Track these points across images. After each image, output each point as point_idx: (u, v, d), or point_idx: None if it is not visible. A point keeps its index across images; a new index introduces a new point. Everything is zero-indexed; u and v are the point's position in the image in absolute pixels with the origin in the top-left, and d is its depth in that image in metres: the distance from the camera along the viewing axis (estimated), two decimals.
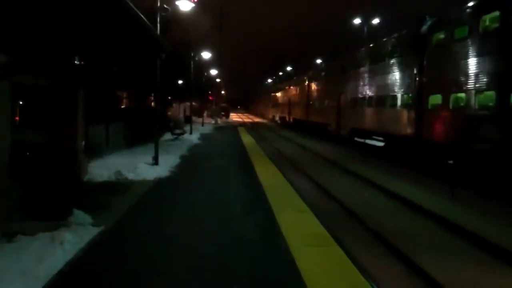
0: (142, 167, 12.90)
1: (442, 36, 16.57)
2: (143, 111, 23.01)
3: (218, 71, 61.76)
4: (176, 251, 6.01)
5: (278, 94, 63.74)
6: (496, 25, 13.43)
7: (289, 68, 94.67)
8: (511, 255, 7.50)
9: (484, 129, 13.37)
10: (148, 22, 8.59)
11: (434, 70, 16.79)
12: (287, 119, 52.92)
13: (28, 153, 6.99)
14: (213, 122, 52.81)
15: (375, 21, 43.56)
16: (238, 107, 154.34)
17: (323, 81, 35.56)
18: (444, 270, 7.02)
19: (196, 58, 32.98)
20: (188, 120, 36.72)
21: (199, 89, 42.47)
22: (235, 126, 48.18)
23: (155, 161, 13.88)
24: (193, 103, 41.27)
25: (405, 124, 18.96)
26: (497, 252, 7.77)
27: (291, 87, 51.88)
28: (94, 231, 6.65)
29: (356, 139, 24.20)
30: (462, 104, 14.76)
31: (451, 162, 13.28)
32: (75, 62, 9.25)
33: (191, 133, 29.70)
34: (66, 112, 7.31)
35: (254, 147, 22.62)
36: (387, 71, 21.20)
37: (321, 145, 27.36)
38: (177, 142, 23.15)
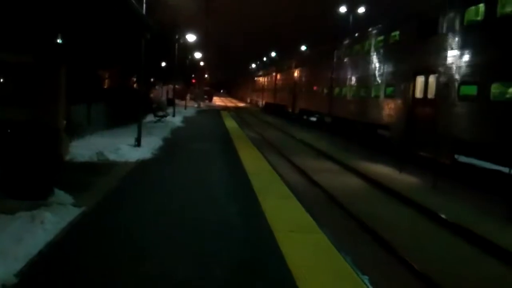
0: (125, 148, 12.72)
1: (339, 53, 27.56)
2: (126, 92, 22.76)
3: (203, 54, 61.19)
4: (159, 234, 5.92)
5: (257, 80, 71.55)
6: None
7: (273, 54, 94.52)
8: None
9: (359, 108, 22.69)
10: (133, 1, 8.42)
11: (336, 72, 27.23)
12: (261, 102, 62.82)
13: (9, 131, 6.84)
14: (196, 105, 52.48)
15: (361, 10, 43.67)
16: (221, 91, 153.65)
17: (284, 73, 46.57)
18: None
19: (181, 41, 32.67)
20: (171, 102, 36.46)
21: (183, 71, 42.08)
22: (218, 110, 47.97)
23: (138, 143, 13.67)
24: (177, 86, 40.92)
25: (326, 106, 28.52)
26: None
27: (265, 76, 62.16)
28: (75, 212, 6.53)
29: (304, 116, 36.22)
30: (347, 93, 24.96)
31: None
32: (58, 40, 9.05)
33: (174, 115, 29.44)
34: (48, 90, 7.14)
35: (237, 131, 22.46)
36: (318, 70, 32.42)
37: (308, 133, 28.17)
38: (159, 124, 22.90)
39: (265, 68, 70.72)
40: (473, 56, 13.46)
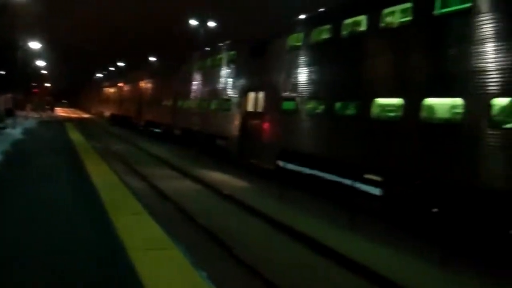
0: None
1: (184, 67, 29.23)
2: None
3: (46, 62, 58.73)
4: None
5: (103, 91, 69.83)
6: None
7: (122, 64, 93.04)
8: None
9: (200, 121, 24.63)
10: None
11: (180, 86, 29.05)
12: (107, 114, 61.37)
13: None
14: (37, 116, 50.28)
15: (212, 24, 45.35)
16: (64, 101, 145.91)
17: (130, 84, 47.40)
18: None
19: (24, 48, 31.61)
20: (9, 113, 34.82)
21: (24, 80, 40.29)
22: (62, 121, 46.40)
23: None
24: (16, 96, 39.09)
25: (170, 118, 30.45)
26: None
27: (111, 86, 61.01)
28: None
29: (150, 128, 36.33)
30: (190, 106, 26.81)
31: None
32: None
33: (14, 127, 28.40)
34: None
35: (83, 144, 22.19)
36: (164, 83, 34.24)
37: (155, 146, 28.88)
38: None
39: (112, 79, 69.93)
40: (292, 77, 15.87)
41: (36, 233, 6.63)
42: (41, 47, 43.67)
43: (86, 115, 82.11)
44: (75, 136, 26.82)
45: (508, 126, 8.69)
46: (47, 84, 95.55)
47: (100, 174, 12.30)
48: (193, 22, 46.16)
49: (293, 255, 8.95)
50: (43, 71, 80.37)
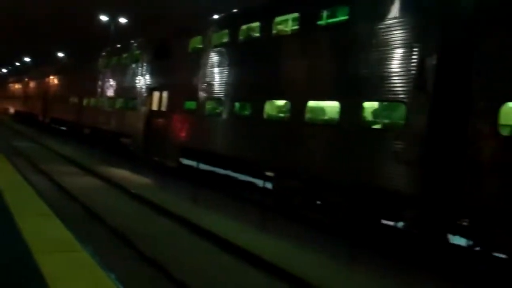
0: None
1: (90, 65, 28.80)
2: None
3: None
4: None
5: (7, 87, 67.39)
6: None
7: (28, 59, 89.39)
8: None
9: (106, 119, 24.46)
10: None
11: (87, 84, 28.22)
12: (11, 110, 59.65)
13: None
14: None
15: (123, 20, 44.51)
16: None
17: (36, 81, 45.64)
18: None
19: None
20: None
21: None
22: None
23: None
24: None
25: (76, 115, 30.03)
26: None
27: (16, 82, 59.07)
28: None
29: (56, 126, 36.38)
30: (96, 104, 26.81)
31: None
32: None
33: None
34: None
35: None
36: (70, 80, 33.76)
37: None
38: None
39: (17, 74, 67.00)
40: (194, 77, 16.44)
41: None
42: None
43: None
44: None
45: (376, 126, 9.86)
46: None
47: (3, 173, 11.79)
48: (104, 18, 45.18)
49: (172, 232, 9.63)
50: None
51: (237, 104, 14.39)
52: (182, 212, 11.65)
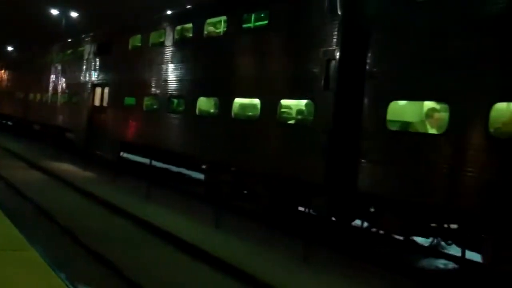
0: None
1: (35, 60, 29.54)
2: None
3: None
4: None
5: None
6: None
7: None
8: None
9: (51, 114, 24.45)
10: None
11: (30, 78, 29.22)
12: None
13: None
14: None
15: (74, 14, 44.03)
16: None
17: None
18: None
19: None
20: None
21: None
22: None
23: None
24: None
25: (21, 110, 30.00)
26: None
27: None
28: None
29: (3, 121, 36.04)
30: (41, 99, 26.59)
31: None
32: None
33: None
34: None
35: None
36: (15, 75, 33.65)
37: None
38: None
39: None
40: (133, 74, 17.01)
41: None
42: None
43: None
44: None
45: (290, 122, 10.79)
46: None
47: None
48: (54, 12, 44.68)
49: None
50: None
51: (173, 100, 15.07)
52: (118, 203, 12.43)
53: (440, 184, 7.41)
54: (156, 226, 10.51)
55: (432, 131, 8.05)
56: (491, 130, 6.89)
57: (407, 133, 8.49)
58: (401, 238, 9.43)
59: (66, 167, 18.66)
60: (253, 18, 12.14)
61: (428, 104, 8.32)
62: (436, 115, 8.09)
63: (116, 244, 9.38)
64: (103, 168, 17.97)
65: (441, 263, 9.27)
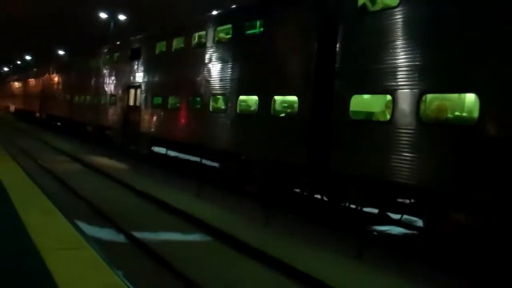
0: None
1: (79, 65, 32.12)
2: None
3: None
4: None
5: (8, 85, 70.64)
6: None
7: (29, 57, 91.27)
8: None
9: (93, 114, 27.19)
10: None
11: (76, 81, 32.13)
12: (12, 108, 62.71)
13: None
14: None
15: (122, 17, 45.60)
16: None
17: (33, 79, 49.04)
18: None
19: None
20: None
21: None
22: None
23: None
24: None
25: (67, 111, 33.14)
26: None
27: (16, 81, 62.26)
28: None
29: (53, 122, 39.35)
30: (85, 100, 29.37)
31: None
32: None
33: None
34: None
35: None
36: (62, 79, 36.88)
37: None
38: None
39: (17, 73, 69.96)
40: (159, 76, 19.21)
41: None
42: None
43: None
44: None
45: (281, 115, 12.59)
46: None
47: (6, 170, 11.85)
48: (103, 15, 45.60)
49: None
50: None
51: (190, 99, 17.05)
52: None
53: (386, 163, 9.06)
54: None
55: (382, 119, 9.71)
56: (423, 116, 8.51)
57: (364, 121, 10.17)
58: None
59: (103, 161, 21.07)
60: (249, 26, 14.05)
61: (379, 97, 9.96)
62: (385, 105, 9.76)
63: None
64: (137, 161, 20.26)
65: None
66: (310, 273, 7.57)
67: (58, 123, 37.52)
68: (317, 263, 8.36)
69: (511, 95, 7.32)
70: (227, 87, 14.64)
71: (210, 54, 15.80)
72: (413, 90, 8.63)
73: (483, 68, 7.65)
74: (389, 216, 11.17)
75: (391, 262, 8.69)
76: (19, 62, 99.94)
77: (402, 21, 9.02)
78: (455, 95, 8.88)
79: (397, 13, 9.13)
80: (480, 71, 7.70)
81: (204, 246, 9.55)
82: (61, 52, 72.77)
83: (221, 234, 9.91)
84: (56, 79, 38.70)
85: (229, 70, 14.47)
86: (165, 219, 11.56)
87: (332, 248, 9.34)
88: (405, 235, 10.80)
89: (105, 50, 27.12)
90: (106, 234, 9.83)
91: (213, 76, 15.43)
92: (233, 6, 16.04)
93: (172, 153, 21.20)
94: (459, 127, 8.27)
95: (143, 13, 52.22)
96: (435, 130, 8.49)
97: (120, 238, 9.72)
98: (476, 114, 7.75)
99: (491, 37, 7.57)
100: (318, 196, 12.08)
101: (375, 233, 10.54)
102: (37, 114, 43.73)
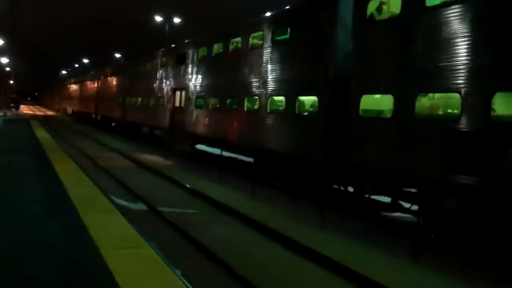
0: None
1: (132, 68, 34.69)
2: None
3: (10, 59, 60.69)
4: None
5: (66, 88, 74.37)
6: None
7: (86, 61, 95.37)
8: None
9: (143, 115, 29.64)
10: None
11: (129, 84, 34.41)
12: (70, 110, 66.81)
13: None
14: (2, 114, 51.59)
15: (177, 20, 46.49)
16: (28, 99, 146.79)
17: (89, 83, 52.19)
18: None
19: None
20: None
21: None
22: (27, 119, 46.21)
23: None
24: None
25: (120, 113, 35.41)
26: None
27: (73, 84, 66.45)
28: None
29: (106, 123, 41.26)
30: (136, 102, 31.76)
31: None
32: None
33: None
34: None
35: (50, 142, 21.69)
36: (115, 82, 39.18)
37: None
38: None
39: (74, 77, 74.00)
40: (201, 80, 20.97)
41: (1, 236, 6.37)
42: (3, 43, 45.17)
43: (50, 113, 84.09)
44: (41, 134, 26.36)
45: (305, 114, 13.96)
46: (11, 82, 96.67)
47: (67, 171, 12.12)
48: (158, 18, 46.52)
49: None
50: (7, 68, 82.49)
51: (228, 100, 18.63)
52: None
53: (390, 153, 10.32)
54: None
55: (385, 116, 10.95)
56: (418, 113, 9.75)
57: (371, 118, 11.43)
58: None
59: (152, 158, 22.87)
60: (279, 33, 15.52)
61: (384, 96, 11.17)
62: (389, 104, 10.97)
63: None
64: (182, 158, 22.08)
65: None
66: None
67: (113, 124, 40.07)
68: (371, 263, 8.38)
69: None
70: (260, 87, 16.10)
71: (246, 59, 17.34)
72: (410, 90, 9.92)
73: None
74: (401, 205, 12.29)
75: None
76: (77, 65, 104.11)
77: (404, 28, 10.31)
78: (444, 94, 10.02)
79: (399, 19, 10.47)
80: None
81: (262, 247, 9.52)
82: (117, 55, 75.44)
83: (277, 234, 9.98)
84: (110, 82, 41.39)
85: (265, 71, 15.80)
86: (220, 219, 11.75)
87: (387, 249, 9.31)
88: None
89: (154, 55, 29.23)
90: (162, 233, 9.81)
91: (246, 80, 16.94)
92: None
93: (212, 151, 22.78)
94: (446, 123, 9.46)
95: (195, 16, 53.64)
96: (424, 125, 9.73)
97: (176, 236, 9.91)
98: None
99: None
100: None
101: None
102: (93, 116, 46.58)
